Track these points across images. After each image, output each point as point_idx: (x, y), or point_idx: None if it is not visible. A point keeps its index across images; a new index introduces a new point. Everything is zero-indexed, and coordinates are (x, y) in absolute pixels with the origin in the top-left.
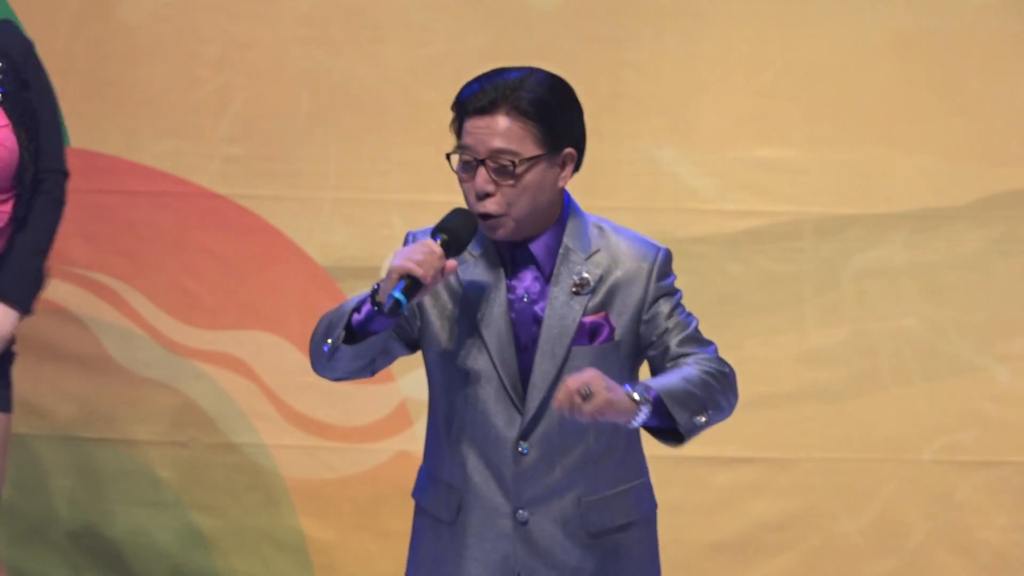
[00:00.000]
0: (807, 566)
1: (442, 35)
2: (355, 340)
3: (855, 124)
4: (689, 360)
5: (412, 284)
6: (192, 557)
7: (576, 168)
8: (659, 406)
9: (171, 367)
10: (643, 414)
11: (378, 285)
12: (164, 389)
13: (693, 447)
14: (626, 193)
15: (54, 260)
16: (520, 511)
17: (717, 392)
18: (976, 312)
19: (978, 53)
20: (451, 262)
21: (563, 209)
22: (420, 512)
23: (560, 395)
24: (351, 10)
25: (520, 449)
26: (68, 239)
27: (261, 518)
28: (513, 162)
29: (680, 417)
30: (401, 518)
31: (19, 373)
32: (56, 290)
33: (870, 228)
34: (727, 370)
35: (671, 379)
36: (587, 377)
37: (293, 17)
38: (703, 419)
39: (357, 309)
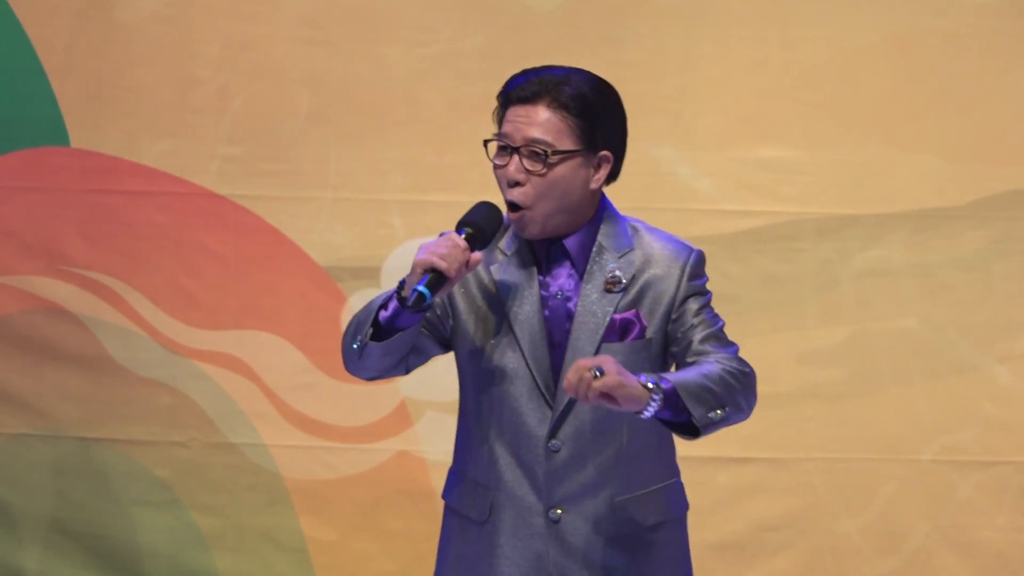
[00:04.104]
0: (807, 566)
1: (442, 35)
2: (383, 337)
3: (855, 124)
4: (710, 358)
5: (436, 278)
6: (192, 557)
7: (613, 175)
8: (674, 399)
9: (171, 367)
10: (655, 403)
11: (404, 281)
12: (164, 389)
13: (694, 447)
14: (626, 193)
15: (54, 260)
16: (552, 510)
17: (736, 391)
18: (976, 312)
19: (978, 53)
20: (476, 255)
21: (598, 210)
22: (450, 512)
23: (571, 374)
24: (351, 10)
25: (551, 446)
26: (68, 239)
27: (261, 518)
28: (546, 152)
29: (695, 410)
30: (401, 518)
31: (19, 373)
32: (56, 290)
33: (870, 228)
34: (747, 370)
35: (688, 373)
36: (599, 359)
37: (293, 17)
38: (719, 414)
39: (384, 306)
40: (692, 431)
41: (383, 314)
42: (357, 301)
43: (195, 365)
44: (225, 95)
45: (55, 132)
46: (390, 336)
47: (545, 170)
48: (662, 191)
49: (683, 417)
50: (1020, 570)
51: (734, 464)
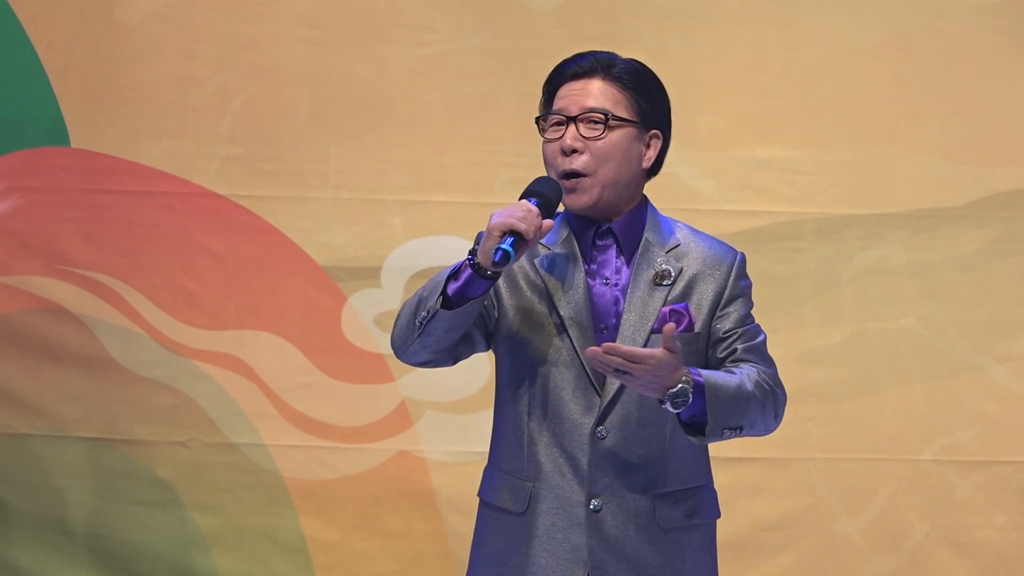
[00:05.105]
0: (807, 566)
1: (442, 35)
2: (453, 307)
3: (855, 124)
4: (753, 369)
5: (518, 239)
6: (192, 557)
7: (657, 166)
8: (700, 396)
9: (171, 367)
10: (685, 388)
11: (474, 249)
12: (164, 389)
13: None
14: None
15: (54, 260)
16: (594, 500)
17: (757, 410)
18: (976, 312)
19: (978, 53)
20: (547, 221)
21: (644, 202)
22: (486, 508)
23: (608, 359)
24: (351, 10)
25: (598, 433)
26: (68, 239)
27: (261, 518)
28: (606, 115)
29: (713, 421)
30: (401, 518)
31: (19, 373)
32: (56, 290)
33: (870, 228)
34: (780, 392)
35: (727, 380)
36: (646, 356)
37: (293, 17)
38: (733, 433)
39: (453, 277)
40: (698, 432)
41: (453, 285)
42: (357, 301)
43: (195, 365)
44: (225, 95)
45: (55, 132)
46: (461, 306)
47: (605, 133)
48: (662, 191)
49: (699, 418)
50: (1020, 570)
51: (734, 464)
